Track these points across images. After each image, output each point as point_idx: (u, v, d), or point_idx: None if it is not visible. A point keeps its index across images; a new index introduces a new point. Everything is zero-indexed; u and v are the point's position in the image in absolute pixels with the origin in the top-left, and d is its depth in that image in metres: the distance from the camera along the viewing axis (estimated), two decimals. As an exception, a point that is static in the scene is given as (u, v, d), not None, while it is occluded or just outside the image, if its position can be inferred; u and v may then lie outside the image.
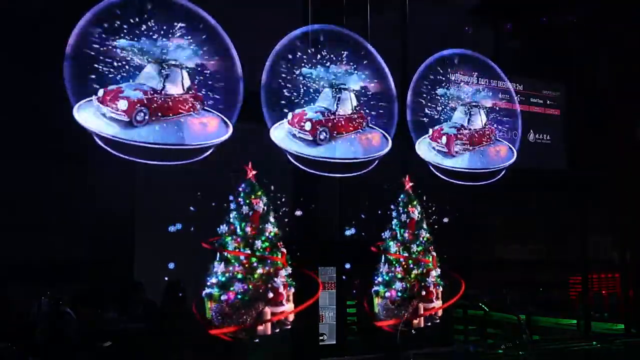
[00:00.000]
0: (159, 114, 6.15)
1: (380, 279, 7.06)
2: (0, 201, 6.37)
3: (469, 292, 8.17)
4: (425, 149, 8.13)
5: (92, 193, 6.67)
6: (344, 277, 7.73)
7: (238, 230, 5.94)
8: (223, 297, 5.76)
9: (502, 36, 10.15)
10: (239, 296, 5.79)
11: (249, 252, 5.89)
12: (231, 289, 5.79)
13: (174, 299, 6.87)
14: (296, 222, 6.87)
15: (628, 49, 10.16)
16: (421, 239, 7.15)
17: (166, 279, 6.45)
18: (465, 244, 9.26)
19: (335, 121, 7.24)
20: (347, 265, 7.80)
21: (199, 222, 6.15)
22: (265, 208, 6.09)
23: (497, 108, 8.78)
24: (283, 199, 6.41)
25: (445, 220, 7.43)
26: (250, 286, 5.83)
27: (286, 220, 6.43)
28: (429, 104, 8.24)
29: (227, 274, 5.84)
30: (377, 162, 7.59)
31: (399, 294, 6.94)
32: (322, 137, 7.11)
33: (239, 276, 5.83)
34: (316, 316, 7.59)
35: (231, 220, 6.00)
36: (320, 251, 7.71)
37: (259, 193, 6.15)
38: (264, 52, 7.04)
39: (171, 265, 6.15)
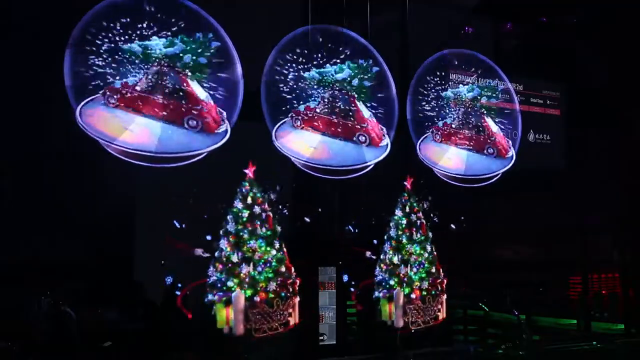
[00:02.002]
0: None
1: (392, 282, 7.10)
2: None
3: (469, 292, 8.19)
4: (424, 148, 8.16)
5: (93, 192, 6.67)
6: (353, 284, 7.71)
7: (259, 231, 6.12)
8: (256, 298, 6.11)
9: (502, 36, 10.15)
10: (271, 295, 6.20)
11: (274, 252, 6.27)
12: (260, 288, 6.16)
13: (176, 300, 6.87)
14: (295, 222, 6.90)
15: (628, 49, 10.14)
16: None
17: (180, 287, 6.49)
18: (464, 243, 9.24)
19: (312, 117, 7.35)
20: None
21: (200, 222, 6.17)
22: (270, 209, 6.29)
23: (497, 108, 8.78)
24: (276, 197, 6.49)
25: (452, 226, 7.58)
26: (280, 282, 6.32)
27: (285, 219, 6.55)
28: (430, 104, 8.25)
29: (254, 274, 6.02)
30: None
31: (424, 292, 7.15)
32: (297, 124, 7.30)
33: (270, 275, 6.18)
34: (316, 316, 7.59)
35: (246, 221, 6.14)
36: (320, 251, 7.71)
37: (259, 194, 6.25)
38: (263, 52, 7.06)
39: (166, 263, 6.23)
